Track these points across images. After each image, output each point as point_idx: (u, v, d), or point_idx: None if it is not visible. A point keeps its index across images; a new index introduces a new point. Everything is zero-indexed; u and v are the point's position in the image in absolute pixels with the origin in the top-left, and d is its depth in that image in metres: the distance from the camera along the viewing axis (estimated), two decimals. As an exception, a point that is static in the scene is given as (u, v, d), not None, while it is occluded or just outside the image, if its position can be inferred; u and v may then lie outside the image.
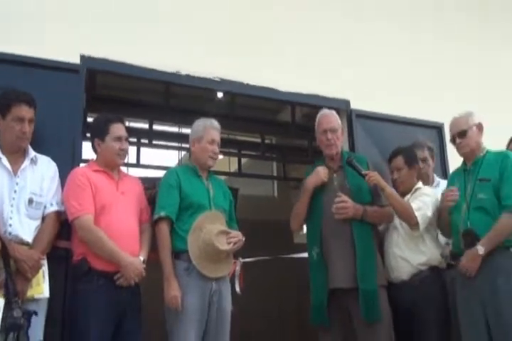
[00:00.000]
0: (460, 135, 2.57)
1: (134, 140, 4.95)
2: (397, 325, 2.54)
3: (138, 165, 5.12)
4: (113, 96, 4.54)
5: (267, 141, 5.79)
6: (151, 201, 2.56)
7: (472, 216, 2.44)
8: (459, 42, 4.16)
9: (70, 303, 2.31)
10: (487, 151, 2.58)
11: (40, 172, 2.35)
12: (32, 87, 2.41)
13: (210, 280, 2.40)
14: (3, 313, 1.88)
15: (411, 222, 2.59)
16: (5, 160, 2.27)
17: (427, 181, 2.97)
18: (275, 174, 6.81)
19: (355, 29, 3.75)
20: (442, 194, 2.64)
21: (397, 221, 2.69)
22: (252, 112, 5.22)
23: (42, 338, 2.17)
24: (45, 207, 2.33)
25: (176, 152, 6.21)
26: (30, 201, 2.27)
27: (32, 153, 2.36)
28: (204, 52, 3.18)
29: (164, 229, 2.42)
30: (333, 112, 2.84)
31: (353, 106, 3.50)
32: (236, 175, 5.87)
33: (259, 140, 5.64)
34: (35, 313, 2.03)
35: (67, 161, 2.56)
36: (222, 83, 3.19)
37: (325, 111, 2.83)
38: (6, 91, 2.31)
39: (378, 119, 3.56)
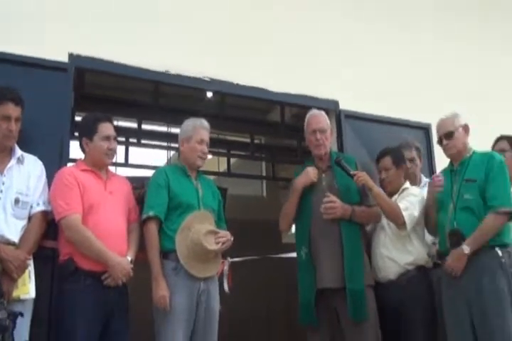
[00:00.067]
0: (447, 136, 2.60)
1: (123, 139, 4.93)
2: (384, 325, 2.55)
3: (126, 164, 5.09)
4: (102, 95, 4.51)
5: (256, 141, 5.80)
6: (140, 201, 2.55)
7: (458, 216, 2.47)
8: (456, 42, 4.20)
9: (56, 303, 2.29)
10: (473, 152, 2.61)
11: (27, 172, 2.32)
12: (19, 85, 2.39)
13: (198, 280, 2.40)
14: (-11, 314, 1.86)
15: (398, 221, 2.62)
16: (-9, 159, 2.24)
17: (415, 181, 3.00)
18: (264, 174, 6.82)
19: (345, 30, 3.77)
20: (429, 182, 2.67)
21: (384, 221, 2.72)
22: (242, 112, 5.22)
23: (27, 339, 2.15)
24: (31, 206, 2.30)
25: (164, 151, 6.18)
26: (17, 201, 2.24)
27: (19, 152, 2.34)
28: (194, 51, 3.18)
29: (152, 228, 2.41)
30: (322, 113, 2.86)
31: (342, 106, 3.53)
32: (225, 175, 5.87)
33: (248, 140, 5.64)
34: (21, 314, 2.01)
35: (54, 160, 2.54)
36: (212, 83, 3.19)
37: (314, 112, 2.84)
38: (-7, 89, 2.28)
39: (367, 120, 3.59)
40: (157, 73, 3.02)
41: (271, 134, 5.71)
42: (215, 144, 4.77)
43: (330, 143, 2.81)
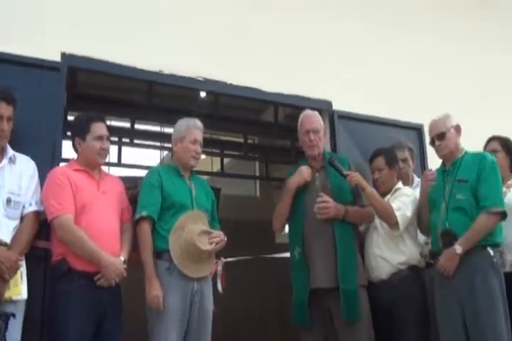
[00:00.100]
0: (439, 137, 2.61)
1: (116, 139, 4.90)
2: (377, 325, 2.56)
3: (119, 164, 5.07)
4: (94, 94, 4.49)
5: (249, 141, 5.80)
6: (133, 201, 2.54)
7: (451, 216, 2.49)
8: (452, 42, 4.22)
9: (49, 304, 2.28)
10: (465, 152, 2.63)
11: (19, 172, 2.31)
12: (11, 84, 2.38)
13: (192, 280, 2.39)
14: (-19, 315, 1.85)
15: (391, 221, 2.63)
16: (-18, 159, 2.23)
17: (407, 181, 3.02)
18: (257, 174, 6.82)
19: (339, 31, 3.78)
20: (421, 176, 2.70)
21: (377, 221, 2.73)
22: (235, 112, 5.22)
23: (20, 340, 2.14)
24: (23, 206, 2.29)
25: (157, 151, 6.17)
26: (9, 201, 2.23)
27: (10, 151, 2.32)
28: (187, 51, 3.17)
29: (146, 228, 2.40)
30: (316, 113, 2.86)
31: (335, 107, 3.54)
32: (218, 175, 5.86)
33: (241, 140, 5.64)
34: (13, 315, 2.00)
35: (46, 160, 2.52)
36: (206, 83, 3.18)
37: (307, 112, 2.84)
38: (-16, 88, 2.27)
39: (360, 120, 3.60)
40: (151, 73, 3.02)
41: (264, 134, 5.71)
42: (208, 144, 4.76)
43: (323, 144, 2.82)
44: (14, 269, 2.14)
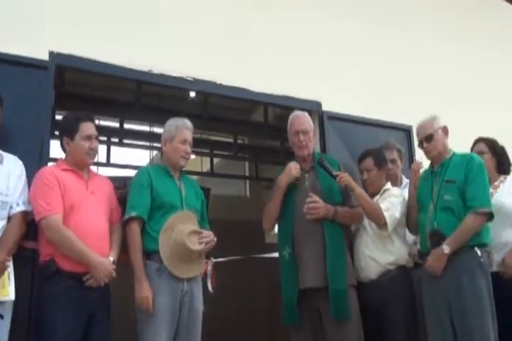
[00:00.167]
0: (427, 139, 2.64)
1: (104, 139, 4.88)
2: (366, 324, 2.57)
3: (108, 164, 5.04)
4: (83, 94, 4.46)
5: (239, 141, 5.80)
6: (122, 200, 2.53)
7: (439, 216, 2.51)
8: (442, 44, 4.27)
9: (36, 305, 2.25)
10: (453, 153, 2.65)
11: (7, 171, 2.28)
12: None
13: (182, 281, 2.39)
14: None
15: (379, 222, 2.65)
16: (-31, 159, 2.20)
17: (396, 181, 3.04)
18: (247, 174, 6.83)
19: (327, 32, 3.79)
20: (412, 169, 2.74)
21: (366, 221, 2.74)
22: (225, 112, 5.22)
23: (7, 341, 2.12)
24: (11, 206, 2.27)
25: (147, 151, 6.14)
26: (-4, 201, 2.21)
27: (-2, 151, 2.30)
28: (177, 51, 3.16)
29: (135, 229, 2.39)
30: (306, 114, 2.87)
31: (325, 108, 3.55)
32: (208, 175, 5.86)
33: (231, 140, 5.64)
34: (1, 317, 1.98)
35: (34, 160, 2.50)
36: (195, 83, 3.18)
37: (297, 113, 2.85)
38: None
39: (349, 121, 3.62)
40: (140, 72, 3.00)
41: (254, 134, 5.72)
42: (198, 144, 4.74)
43: (313, 145, 2.83)
44: (1, 270, 2.12)
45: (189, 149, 2.62)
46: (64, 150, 2.47)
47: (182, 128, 2.61)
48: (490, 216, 2.47)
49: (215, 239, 2.51)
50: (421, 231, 2.62)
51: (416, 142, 2.79)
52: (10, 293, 2.13)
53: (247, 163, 6.65)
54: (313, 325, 2.58)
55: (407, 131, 3.80)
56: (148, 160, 6.17)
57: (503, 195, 2.79)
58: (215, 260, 3.15)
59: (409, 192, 2.78)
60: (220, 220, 3.47)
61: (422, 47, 4.18)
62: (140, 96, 4.51)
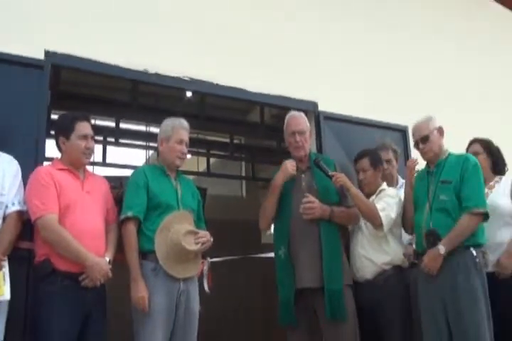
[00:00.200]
0: (423, 140, 2.64)
1: (100, 138, 4.87)
2: (362, 324, 2.58)
3: (104, 164, 5.03)
4: (79, 93, 4.45)
5: (235, 141, 5.80)
6: (118, 200, 2.53)
7: (434, 217, 2.52)
8: (439, 44, 4.28)
9: (32, 305, 2.25)
10: (449, 154, 2.66)
11: (2, 171, 2.28)
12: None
13: (178, 281, 2.38)
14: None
15: (375, 222, 2.65)
16: (-36, 159, 2.19)
17: (391, 181, 3.05)
18: (244, 174, 6.83)
19: (326, 31, 3.80)
20: (407, 166, 2.75)
21: (361, 221, 2.75)
22: (221, 112, 5.22)
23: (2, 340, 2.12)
24: (6, 206, 2.26)
25: (143, 151, 6.13)
26: (-9, 200, 2.20)
27: (-7, 150, 2.29)
28: (173, 51, 3.16)
29: (131, 229, 2.39)
30: (302, 114, 2.87)
31: (321, 108, 3.56)
32: (205, 175, 5.86)
33: (228, 140, 5.64)
34: (-4, 317, 1.97)
35: (30, 159, 2.49)
36: (192, 82, 3.17)
37: (293, 113, 2.85)
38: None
39: (345, 121, 3.63)
40: (136, 72, 3.00)
41: (250, 134, 5.72)
42: (194, 144, 4.76)
43: (309, 145, 2.83)
44: (-4, 270, 2.11)
45: (185, 149, 2.61)
46: (60, 149, 2.46)
47: (178, 128, 2.61)
48: (485, 216, 2.48)
49: (212, 239, 2.51)
50: (417, 231, 2.62)
51: (412, 142, 2.80)
52: (5, 293, 2.12)
53: (243, 163, 6.65)
54: (309, 325, 2.58)
55: (403, 131, 3.81)
56: (144, 160, 6.17)
57: (498, 195, 2.81)
58: (211, 260, 3.15)
59: (405, 189, 2.78)
60: (216, 220, 3.47)
61: (419, 47, 4.19)
62: (136, 95, 4.50)
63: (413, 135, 2.72)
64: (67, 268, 2.21)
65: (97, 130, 3.39)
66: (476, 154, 2.82)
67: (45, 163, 2.57)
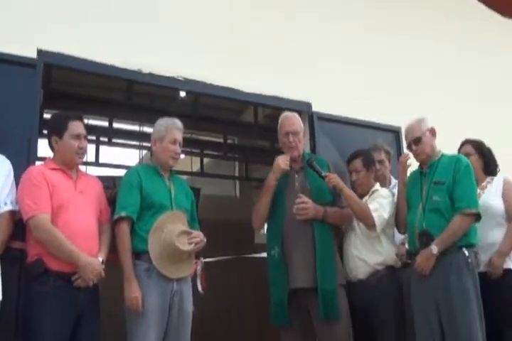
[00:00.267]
0: (415, 142, 2.66)
1: (93, 138, 4.84)
2: (355, 324, 2.59)
3: (97, 163, 5.01)
4: (72, 92, 4.42)
5: (229, 141, 5.79)
6: (111, 200, 2.52)
7: (427, 217, 2.53)
8: (440, 43, 4.29)
9: (24, 305, 2.24)
10: (442, 155, 2.68)
11: (-6, 171, 2.26)
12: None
13: (171, 281, 2.38)
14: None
15: (368, 222, 2.66)
16: (-44, 158, 2.18)
17: (384, 182, 3.06)
18: (237, 174, 6.82)
19: (320, 31, 3.81)
20: (400, 161, 2.76)
21: (354, 222, 2.76)
22: (215, 112, 5.21)
23: (-7, 342, 2.10)
24: (-2, 206, 2.25)
25: (136, 151, 6.11)
26: (-17, 200, 2.18)
27: (-15, 150, 2.28)
28: (168, 51, 3.15)
29: (124, 229, 2.38)
30: (296, 115, 2.88)
31: (315, 108, 3.56)
32: (198, 175, 5.84)
33: (221, 140, 5.63)
34: (-13, 317, 1.95)
35: (22, 159, 2.47)
36: (186, 82, 3.17)
37: (287, 114, 2.86)
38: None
39: (339, 122, 3.64)
40: (130, 72, 2.99)
41: (244, 135, 5.72)
42: (188, 144, 4.75)
43: (303, 145, 2.84)
44: (-12, 270, 2.10)
45: (179, 149, 2.61)
46: (52, 149, 2.45)
47: (172, 128, 2.60)
48: (477, 216, 2.50)
49: (205, 240, 2.51)
50: (410, 232, 2.64)
51: (405, 143, 2.82)
52: (-3, 293, 2.11)
53: (237, 163, 6.64)
54: (302, 325, 2.59)
55: (396, 132, 3.82)
56: (137, 160, 6.15)
57: (490, 195, 2.83)
58: (205, 260, 3.14)
59: (398, 187, 2.79)
60: (209, 220, 3.47)
61: (418, 47, 4.20)
62: (130, 95, 4.49)
63: (406, 137, 2.74)
64: (60, 268, 2.20)
65: (90, 129, 3.38)
66: (467, 155, 2.84)
67: (38, 163, 2.55)
